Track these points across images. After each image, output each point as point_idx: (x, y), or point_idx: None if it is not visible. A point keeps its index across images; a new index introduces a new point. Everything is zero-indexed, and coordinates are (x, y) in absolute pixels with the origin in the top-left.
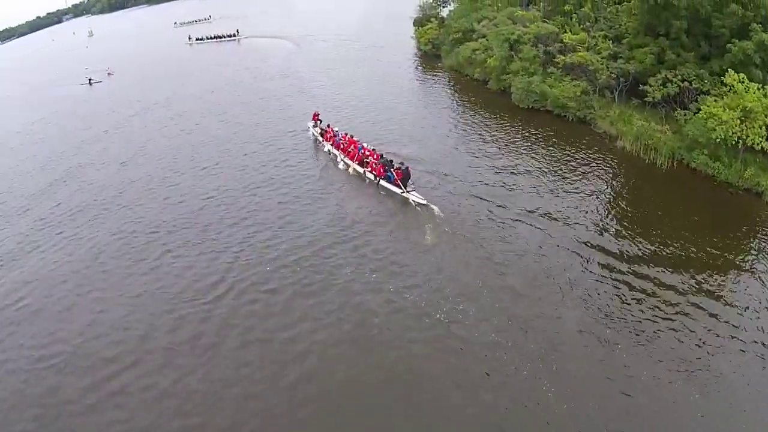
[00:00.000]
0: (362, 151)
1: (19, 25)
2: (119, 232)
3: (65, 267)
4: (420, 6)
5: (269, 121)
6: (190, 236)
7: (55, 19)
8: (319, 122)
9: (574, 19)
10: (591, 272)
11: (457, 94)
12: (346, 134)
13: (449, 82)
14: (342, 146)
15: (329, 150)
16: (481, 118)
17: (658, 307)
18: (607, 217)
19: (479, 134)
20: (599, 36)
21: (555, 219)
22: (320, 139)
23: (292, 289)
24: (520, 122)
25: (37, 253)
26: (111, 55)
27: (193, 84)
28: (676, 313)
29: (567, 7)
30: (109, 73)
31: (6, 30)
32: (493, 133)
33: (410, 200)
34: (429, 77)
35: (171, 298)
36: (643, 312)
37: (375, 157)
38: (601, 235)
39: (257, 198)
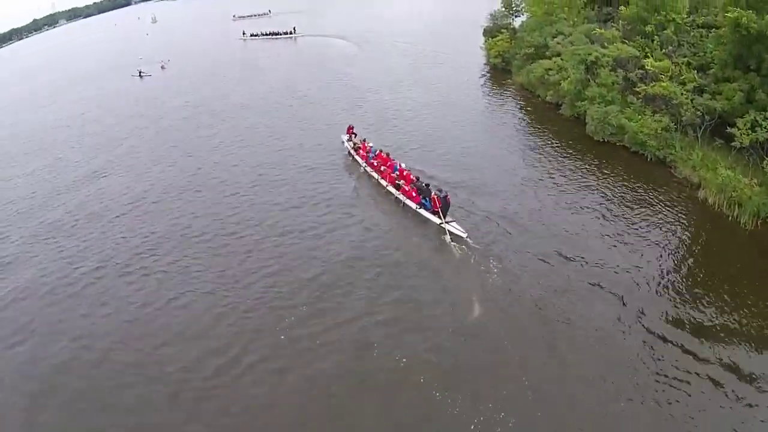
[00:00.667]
0: (398, 171)
1: (86, 6)
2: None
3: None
4: (491, 15)
5: (312, 131)
6: (204, 256)
7: (123, 1)
8: (353, 136)
9: (655, 42)
10: (660, 356)
11: (524, 117)
12: (381, 151)
13: (517, 102)
14: (376, 165)
15: (364, 168)
16: (549, 148)
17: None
18: (679, 279)
19: (544, 165)
20: (683, 63)
21: (623, 273)
22: (354, 154)
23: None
24: (592, 156)
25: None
26: (168, 46)
27: (242, 84)
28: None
29: (648, 28)
30: (162, 66)
31: (72, 10)
32: (560, 166)
33: (447, 231)
34: (495, 95)
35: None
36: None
37: (411, 179)
38: (672, 302)
39: (274, 222)
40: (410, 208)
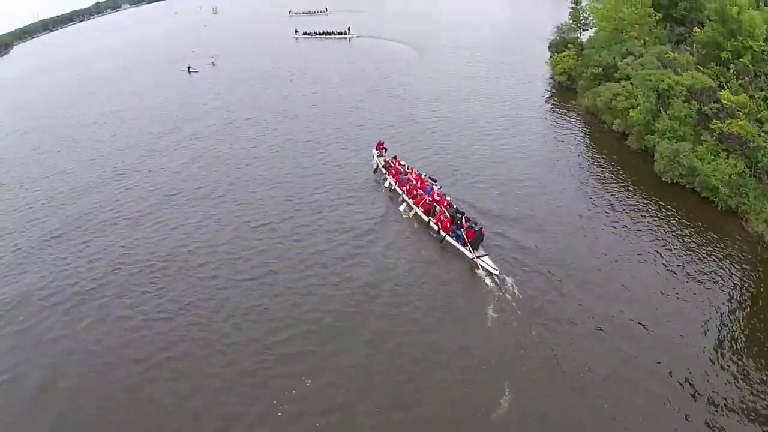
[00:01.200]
0: (431, 195)
1: None
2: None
3: None
4: (558, 27)
5: (353, 145)
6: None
7: None
8: (383, 151)
9: (731, 71)
10: None
11: (587, 146)
12: (413, 170)
13: (581, 127)
14: (407, 186)
15: (390, 184)
16: (611, 185)
17: None
18: (752, 362)
19: (604, 205)
20: (760, 98)
21: (689, 347)
22: (384, 172)
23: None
24: (658, 199)
25: None
26: (222, 39)
27: (289, 87)
28: None
29: (724, 54)
30: (213, 63)
31: None
32: (621, 207)
33: (480, 266)
34: (558, 117)
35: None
36: None
37: (444, 205)
38: (740, 390)
39: (290, 243)
40: (440, 236)
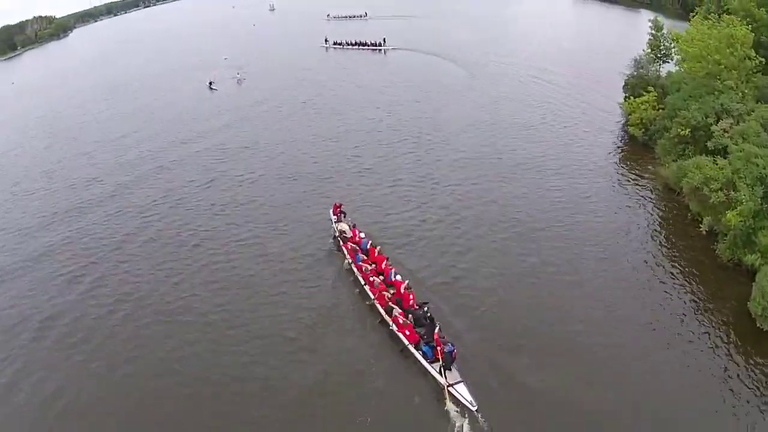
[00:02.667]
0: (395, 285)
1: None
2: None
3: None
4: (635, 60)
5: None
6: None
7: None
8: (342, 216)
9: None
10: None
11: (659, 243)
12: (375, 247)
13: (655, 211)
14: (364, 269)
15: (348, 263)
16: (686, 315)
17: None
18: None
19: (674, 348)
20: None
21: None
22: (340, 243)
23: None
24: (753, 353)
25: None
26: (261, 44)
27: (313, 119)
28: None
29: None
30: (238, 80)
31: None
32: (698, 356)
33: (451, 397)
34: (627, 188)
35: None
36: None
37: (409, 302)
38: None
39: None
40: (401, 343)
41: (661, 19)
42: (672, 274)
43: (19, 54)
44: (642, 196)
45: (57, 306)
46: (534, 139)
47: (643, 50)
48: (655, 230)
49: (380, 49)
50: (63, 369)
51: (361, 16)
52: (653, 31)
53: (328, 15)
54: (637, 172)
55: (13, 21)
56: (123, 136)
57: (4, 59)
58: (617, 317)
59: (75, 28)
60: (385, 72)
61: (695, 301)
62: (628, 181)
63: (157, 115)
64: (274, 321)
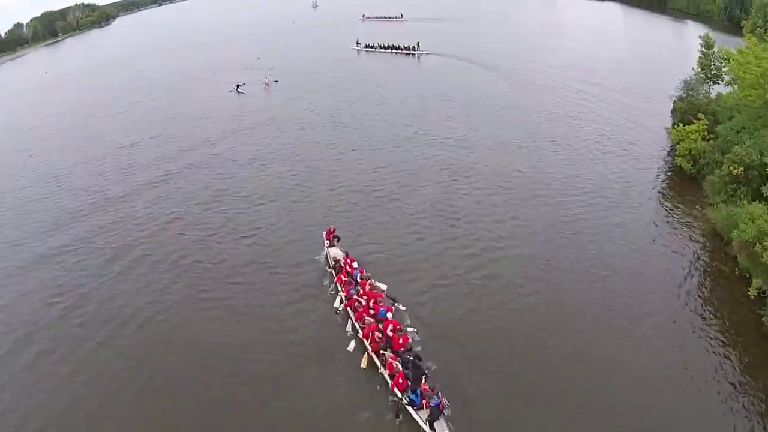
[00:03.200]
0: (383, 323)
1: None
2: None
3: None
4: (684, 82)
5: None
6: None
7: None
8: (335, 241)
9: None
10: None
11: (694, 295)
12: (368, 280)
13: (696, 256)
14: (356, 304)
15: (341, 300)
16: (715, 379)
17: None
18: None
19: None
20: None
21: None
22: (333, 273)
23: None
24: None
25: None
26: (296, 43)
27: (336, 132)
28: None
29: None
30: (266, 85)
31: None
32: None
33: None
34: (666, 224)
35: None
36: None
37: (397, 344)
38: None
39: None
40: (396, 401)
41: (711, 36)
42: (709, 335)
43: (59, 41)
44: (684, 239)
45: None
46: (571, 160)
47: (693, 69)
48: (696, 282)
49: (413, 54)
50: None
51: (396, 18)
52: (703, 49)
53: (363, 15)
54: (681, 209)
55: (55, 8)
56: (134, 141)
57: (45, 45)
58: (646, 374)
59: (118, 16)
60: (417, 80)
61: (734, 371)
62: (671, 219)
63: (177, 118)
64: (257, 354)
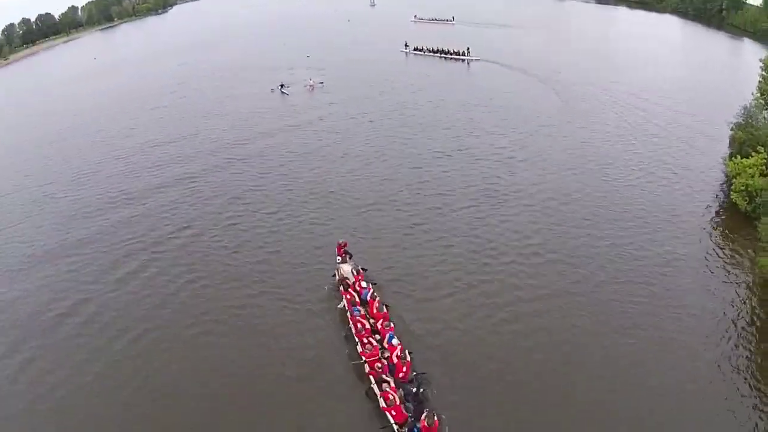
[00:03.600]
0: (389, 348)
1: None
2: None
3: None
4: (744, 109)
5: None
6: None
7: None
8: (348, 257)
9: None
10: None
11: (740, 353)
12: (376, 300)
13: (744, 307)
14: (360, 325)
15: (344, 306)
16: None
17: None
18: None
19: None
20: None
21: None
22: (342, 292)
23: None
24: None
25: None
26: (348, 42)
27: (373, 144)
28: None
29: None
30: (311, 87)
31: None
32: None
33: None
34: (714, 265)
35: None
36: None
37: (400, 372)
38: None
39: None
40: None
41: None
42: (753, 387)
43: (114, 26)
44: (731, 282)
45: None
46: (618, 184)
47: (752, 94)
48: (743, 337)
49: (463, 59)
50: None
51: (447, 21)
52: (763, 72)
53: (414, 17)
54: (730, 249)
55: None
56: (165, 139)
57: (99, 29)
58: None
59: (176, 3)
60: (464, 89)
61: None
62: (718, 258)
63: (214, 116)
64: (253, 370)
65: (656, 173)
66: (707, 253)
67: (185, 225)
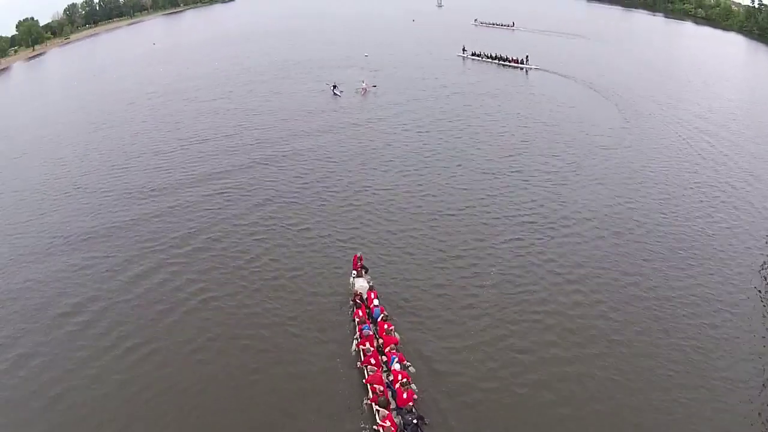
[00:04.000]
0: (392, 372)
1: None
2: None
3: None
4: None
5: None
6: None
7: None
8: (363, 271)
9: None
10: None
11: None
12: (387, 320)
13: None
14: (366, 347)
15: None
16: None
17: None
18: None
19: None
20: None
21: None
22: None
23: None
24: None
25: None
26: (409, 46)
27: (418, 157)
28: None
29: None
30: (363, 89)
31: None
32: None
33: None
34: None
35: None
36: None
37: (401, 399)
38: None
39: None
40: None
41: None
42: None
43: (179, 11)
44: None
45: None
46: (674, 219)
47: None
48: None
49: (521, 68)
50: None
51: (508, 26)
52: None
53: (475, 20)
54: None
55: None
56: (207, 136)
57: (164, 14)
58: None
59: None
60: (522, 100)
61: None
62: None
63: (259, 114)
64: (255, 383)
65: (718, 209)
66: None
67: (211, 225)
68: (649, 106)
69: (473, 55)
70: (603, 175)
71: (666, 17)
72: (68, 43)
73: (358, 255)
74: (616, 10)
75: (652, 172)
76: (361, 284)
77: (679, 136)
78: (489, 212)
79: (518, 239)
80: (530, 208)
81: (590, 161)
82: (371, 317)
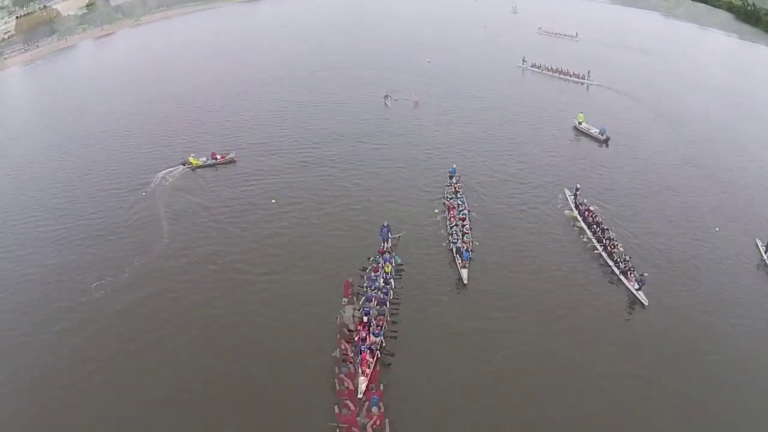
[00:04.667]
0: (367, 416)
1: None
2: None
3: None
4: None
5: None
6: None
7: None
8: (354, 299)
9: None
10: None
11: None
12: (373, 352)
13: None
14: (345, 382)
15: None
16: None
17: None
18: None
19: None
20: None
21: None
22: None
23: None
24: None
25: None
26: (474, 53)
27: (478, 192)
28: None
29: None
30: (415, 101)
31: None
32: None
33: None
34: None
35: None
36: None
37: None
38: None
39: None
40: None
41: None
42: None
43: None
44: None
45: None
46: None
47: None
48: None
49: (582, 83)
50: None
51: (571, 36)
52: None
53: (539, 28)
54: None
55: None
56: (240, 143)
57: (242, 1)
58: None
59: None
60: (585, 104)
61: None
62: None
63: (302, 122)
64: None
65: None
66: None
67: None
68: (715, 137)
69: (533, 66)
70: (655, 229)
71: (741, 39)
72: (139, 25)
73: (350, 280)
74: (693, 28)
75: (709, 224)
76: (348, 314)
77: (745, 179)
78: (528, 257)
79: (543, 321)
80: (570, 267)
81: (644, 203)
82: (358, 349)
